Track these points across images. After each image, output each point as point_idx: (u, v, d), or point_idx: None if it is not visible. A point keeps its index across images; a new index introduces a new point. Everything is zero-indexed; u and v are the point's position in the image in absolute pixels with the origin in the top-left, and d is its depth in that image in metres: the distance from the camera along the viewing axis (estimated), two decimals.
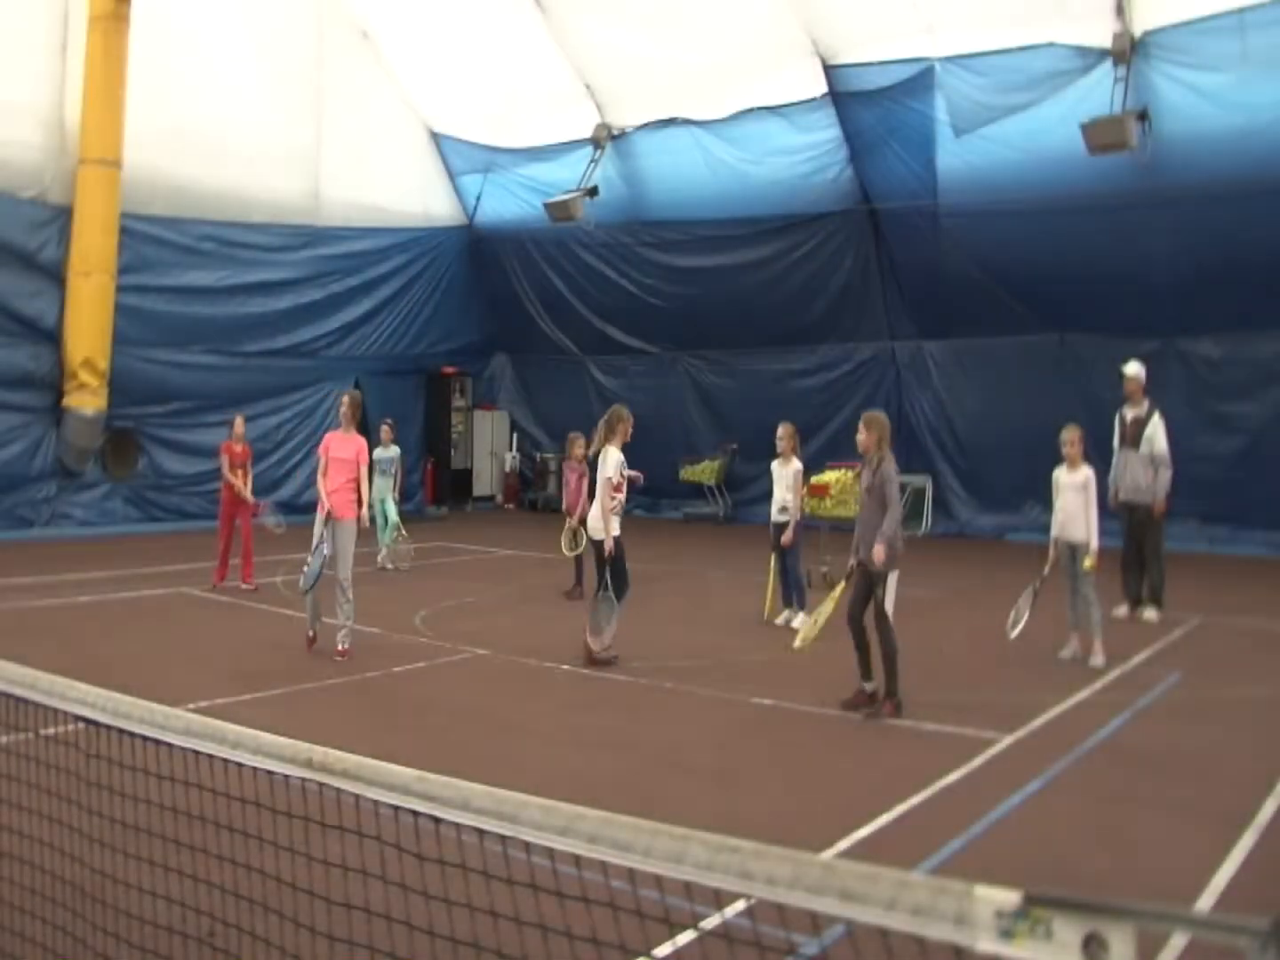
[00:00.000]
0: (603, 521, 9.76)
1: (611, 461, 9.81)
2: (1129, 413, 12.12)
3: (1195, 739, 7.70)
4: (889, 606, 8.08)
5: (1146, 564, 11.98)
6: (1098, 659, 9.65)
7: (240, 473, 13.62)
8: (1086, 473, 9.85)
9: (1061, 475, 10.02)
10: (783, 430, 11.78)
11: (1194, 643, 10.90)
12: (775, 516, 11.69)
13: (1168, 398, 15.03)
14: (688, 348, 22.28)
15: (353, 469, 10.19)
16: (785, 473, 11.64)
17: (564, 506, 14.05)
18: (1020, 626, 9.46)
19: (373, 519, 14.03)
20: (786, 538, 11.47)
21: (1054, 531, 9.99)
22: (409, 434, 23.16)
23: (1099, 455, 17.99)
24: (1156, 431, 11.81)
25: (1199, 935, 1.70)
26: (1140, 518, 11.91)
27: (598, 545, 9.99)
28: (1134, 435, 11.94)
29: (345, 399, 10.72)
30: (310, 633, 10.27)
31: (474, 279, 24.19)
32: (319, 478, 10.26)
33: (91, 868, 3.97)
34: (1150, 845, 5.74)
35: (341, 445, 10.33)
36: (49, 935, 3.88)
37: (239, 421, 14.02)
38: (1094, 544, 9.70)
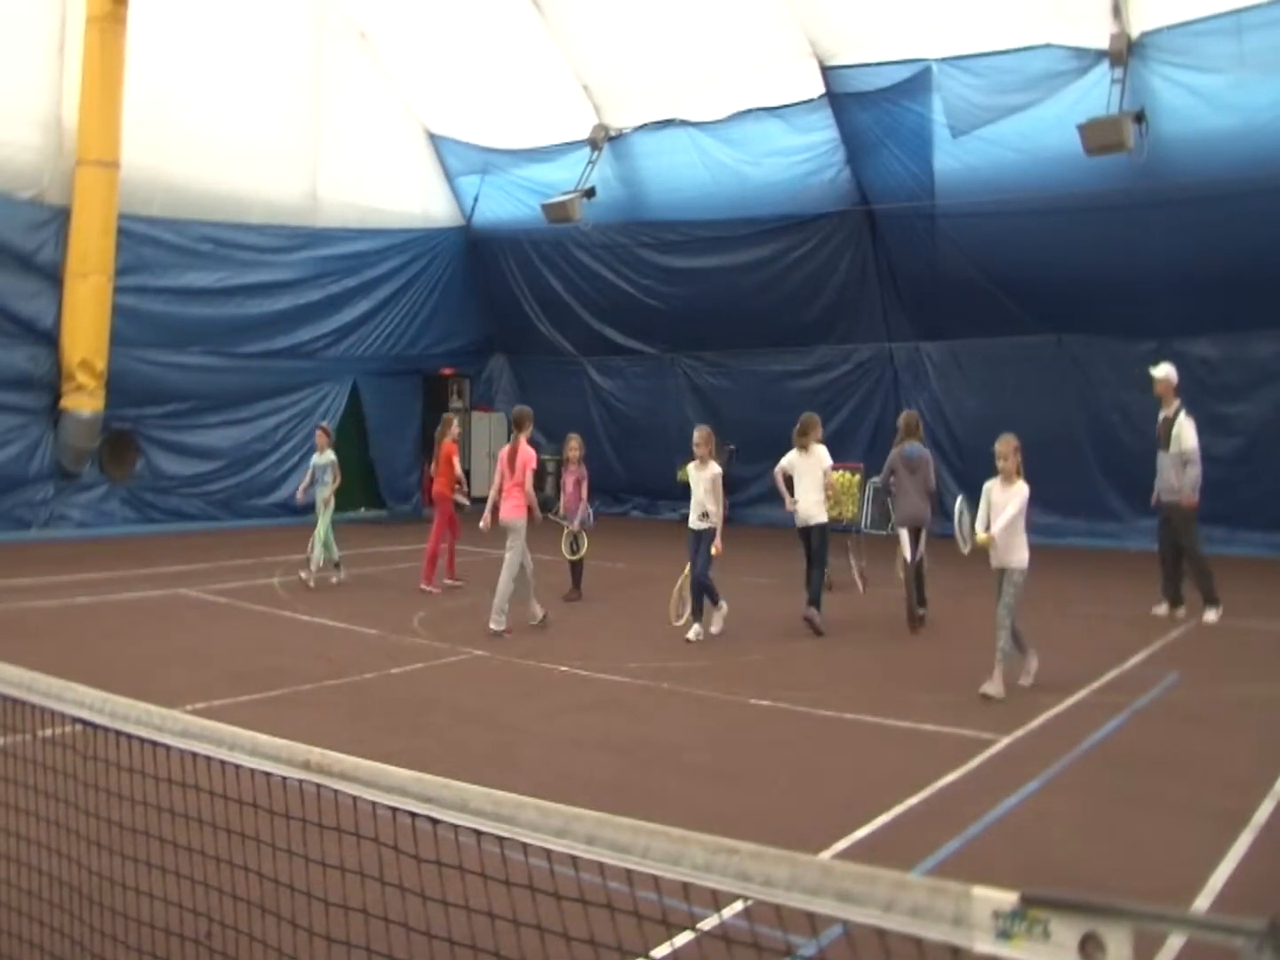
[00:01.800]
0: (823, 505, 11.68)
1: (826, 455, 11.79)
2: (1160, 414, 12.16)
3: (1193, 739, 7.71)
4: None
5: (1186, 566, 12.00)
6: (991, 686, 8.61)
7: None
8: (1020, 489, 8.75)
9: (995, 491, 8.90)
10: (699, 435, 11.23)
11: (1192, 643, 10.91)
12: (694, 523, 11.09)
13: None
14: (685, 349, 22.27)
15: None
16: (702, 476, 11.12)
17: (562, 510, 13.65)
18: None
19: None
20: (718, 546, 10.88)
21: (979, 527, 8.96)
22: (407, 435, 23.17)
23: (1097, 458, 18.18)
24: (1183, 430, 11.80)
25: (1196, 936, 1.70)
26: (1175, 518, 11.92)
27: (821, 529, 11.61)
28: (1164, 436, 11.98)
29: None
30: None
31: (472, 280, 24.17)
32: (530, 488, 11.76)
33: (89, 869, 3.96)
34: (1148, 846, 5.74)
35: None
36: (46, 937, 3.88)
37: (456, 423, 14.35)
38: (1015, 561, 8.73)
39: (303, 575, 13.79)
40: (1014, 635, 8.91)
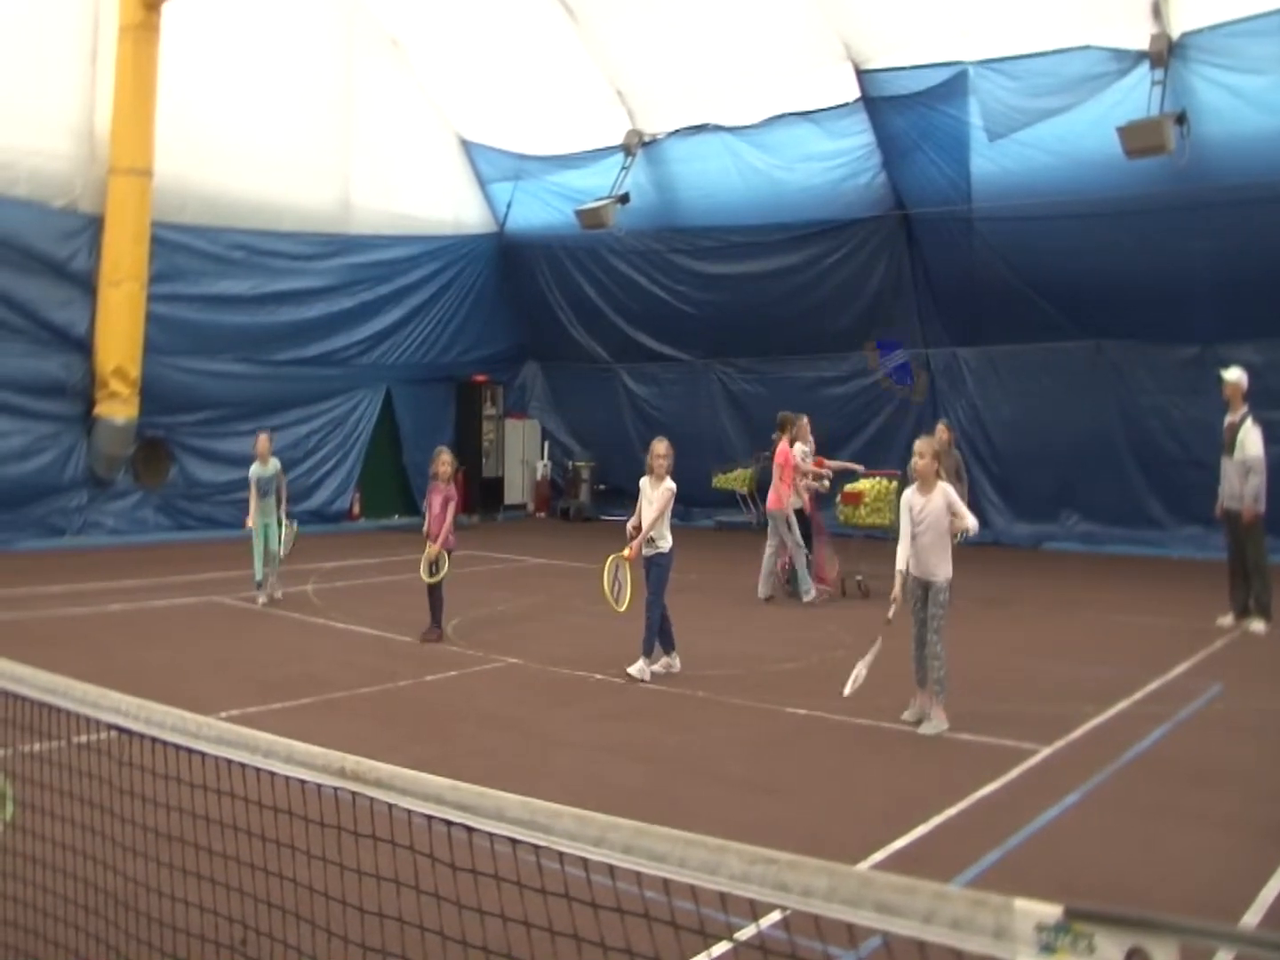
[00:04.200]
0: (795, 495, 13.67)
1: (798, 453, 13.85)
2: (1226, 419, 11.97)
3: (1238, 751, 7.58)
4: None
5: (1248, 574, 11.78)
6: (933, 725, 7.96)
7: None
8: (944, 491, 8.05)
9: (914, 498, 8.07)
10: (661, 447, 9.86)
11: (1236, 653, 10.74)
12: (645, 548, 9.76)
13: (1207, 405, 14.87)
14: (719, 355, 22.26)
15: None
16: (657, 494, 9.73)
17: (425, 530, 11.53)
18: (855, 685, 7.98)
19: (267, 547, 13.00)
20: (632, 550, 9.67)
21: (900, 564, 8.05)
22: (440, 442, 23.12)
23: (1137, 465, 17.99)
24: (1248, 436, 11.56)
25: (1245, 952, 1.65)
26: (1240, 525, 11.71)
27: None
28: (1229, 442, 11.77)
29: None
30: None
31: (505, 287, 24.22)
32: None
33: (123, 875, 3.96)
34: (1193, 859, 5.64)
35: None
36: (81, 942, 3.88)
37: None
38: (939, 576, 8.03)
39: (276, 595, 13.10)
40: (921, 663, 8.13)
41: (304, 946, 3.48)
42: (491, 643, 10.97)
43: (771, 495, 13.85)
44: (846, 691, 7.96)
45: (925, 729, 7.98)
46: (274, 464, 13.21)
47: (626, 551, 9.68)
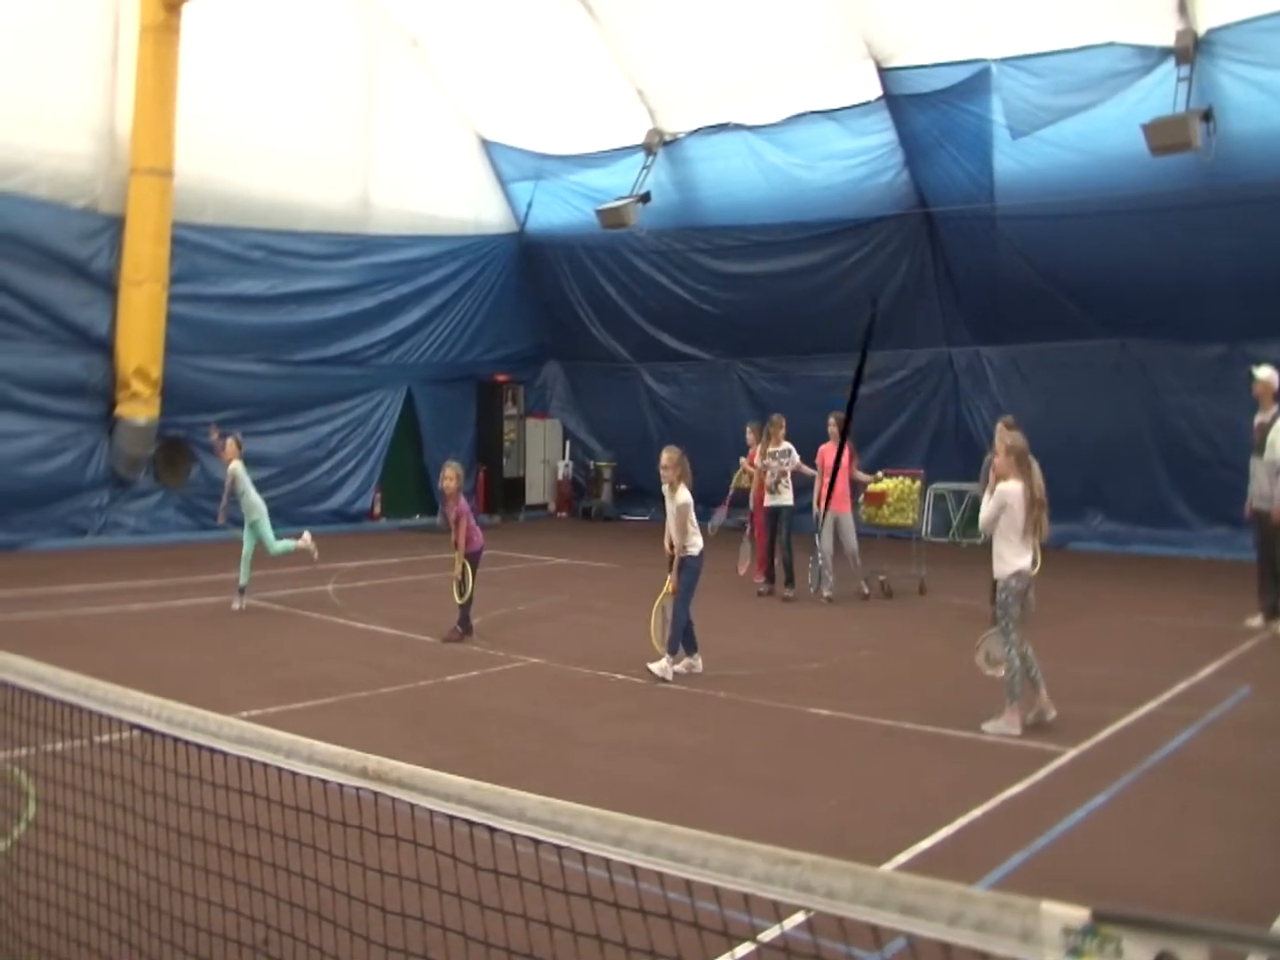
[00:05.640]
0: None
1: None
2: (1256, 418, 11.87)
3: (1268, 754, 7.50)
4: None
5: (1277, 575, 11.65)
6: (994, 725, 7.89)
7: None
8: (1000, 491, 8.09)
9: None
10: (667, 457, 10.10)
11: (1265, 654, 10.64)
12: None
13: (1235, 404, 14.75)
14: (741, 354, 22.20)
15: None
16: (670, 505, 9.94)
17: (453, 540, 11.23)
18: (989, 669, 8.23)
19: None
20: (671, 583, 9.74)
21: None
22: (461, 442, 23.22)
23: (1163, 464, 17.87)
24: (1278, 437, 11.44)
25: (1276, 958, 1.63)
26: (1269, 526, 11.57)
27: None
28: (1259, 441, 11.67)
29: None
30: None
31: (525, 286, 24.21)
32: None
33: (145, 874, 3.96)
34: (1221, 862, 5.58)
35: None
36: (104, 942, 3.89)
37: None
38: (996, 572, 8.14)
39: (235, 606, 12.63)
40: (1022, 663, 7.99)
41: (326, 946, 3.48)
42: (513, 643, 10.97)
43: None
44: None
45: (987, 726, 7.90)
46: (232, 466, 12.75)
47: (668, 586, 9.80)
